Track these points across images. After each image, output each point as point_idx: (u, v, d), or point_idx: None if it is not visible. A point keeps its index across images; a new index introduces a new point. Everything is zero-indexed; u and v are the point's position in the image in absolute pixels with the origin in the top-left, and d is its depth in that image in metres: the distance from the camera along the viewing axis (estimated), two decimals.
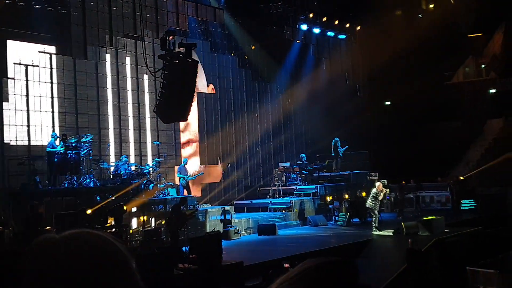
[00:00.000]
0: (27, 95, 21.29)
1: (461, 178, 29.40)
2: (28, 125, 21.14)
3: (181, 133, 26.85)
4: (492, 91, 39.71)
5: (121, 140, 24.15)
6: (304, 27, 32.72)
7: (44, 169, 19.67)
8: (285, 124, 33.03)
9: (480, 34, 41.68)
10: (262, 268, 14.67)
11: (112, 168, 20.92)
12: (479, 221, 22.84)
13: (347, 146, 28.14)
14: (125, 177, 19.82)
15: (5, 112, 20.56)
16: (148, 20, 24.35)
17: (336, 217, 24.53)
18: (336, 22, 34.00)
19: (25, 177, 19.30)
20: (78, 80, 22.83)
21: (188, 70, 18.95)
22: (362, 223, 23.72)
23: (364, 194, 24.63)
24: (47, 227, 15.06)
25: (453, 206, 27.78)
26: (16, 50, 21.17)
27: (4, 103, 20.58)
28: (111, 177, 20.43)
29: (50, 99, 21.96)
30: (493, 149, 34.46)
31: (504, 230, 21.39)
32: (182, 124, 26.10)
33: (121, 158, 21.68)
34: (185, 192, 22.25)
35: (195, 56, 19.35)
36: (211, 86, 28.46)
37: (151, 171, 21.40)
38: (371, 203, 21.06)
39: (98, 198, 18.61)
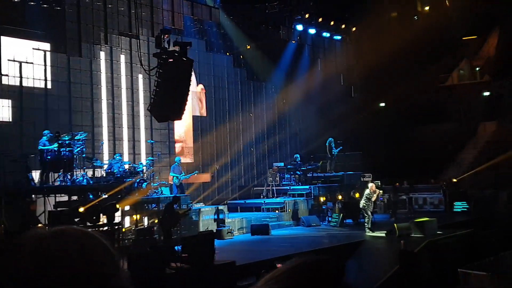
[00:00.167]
0: (21, 92, 21.20)
1: (454, 180, 29.54)
2: (22, 122, 21.06)
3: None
4: (486, 93, 39.84)
5: (115, 138, 24.11)
6: (299, 27, 32.76)
7: (38, 166, 19.61)
8: (279, 124, 33.07)
9: (475, 36, 41.81)
10: (255, 268, 14.65)
11: (105, 166, 20.87)
12: (471, 223, 22.91)
13: (341, 147, 28.18)
14: (118, 175, 19.77)
15: None
16: (143, 18, 24.33)
17: (329, 218, 24.56)
18: (332, 23, 34.07)
19: (18, 174, 19.23)
20: (72, 78, 22.77)
21: (183, 69, 18.92)
22: (355, 224, 23.74)
23: (357, 195, 24.67)
24: (39, 225, 15.03)
25: (446, 208, 27.91)
26: (10, 46, 21.08)
27: None
28: (104, 175, 20.38)
29: (44, 96, 21.88)
30: (486, 152, 34.56)
31: (496, 232, 21.46)
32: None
33: (114, 156, 21.63)
34: (179, 191, 22.22)
35: (190, 55, 19.28)
36: (201, 86, 28.30)
37: (144, 170, 21.35)
38: (364, 204, 21.10)
39: (91, 196, 18.57)
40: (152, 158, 22.88)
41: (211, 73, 29.23)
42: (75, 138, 19.62)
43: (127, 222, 19.40)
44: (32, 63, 21.56)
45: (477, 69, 42.16)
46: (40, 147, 18.80)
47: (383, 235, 20.44)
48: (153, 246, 16.09)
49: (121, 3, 23.93)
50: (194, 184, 26.49)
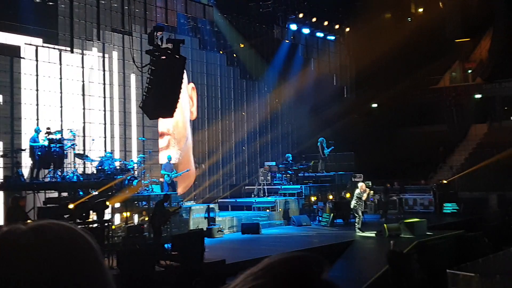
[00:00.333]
0: (12, 88, 21.11)
1: (445, 181, 29.66)
2: (12, 118, 20.97)
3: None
4: (478, 96, 40.02)
5: (106, 135, 24.04)
6: (293, 27, 32.78)
7: (28, 162, 19.53)
8: (271, 124, 33.08)
9: (468, 39, 42.00)
10: (244, 266, 14.48)
11: (96, 163, 20.79)
12: (461, 225, 23.02)
13: (332, 147, 28.21)
14: (109, 172, 19.69)
15: None
16: (137, 15, 24.26)
17: (320, 218, 24.63)
18: (326, 23, 34.09)
19: (8, 170, 19.15)
20: (63, 74, 22.68)
21: (176, 67, 18.88)
22: (345, 224, 23.80)
23: (348, 195, 24.75)
24: (28, 221, 14.96)
25: (436, 209, 28.03)
26: (2, 41, 20.97)
27: None
28: (95, 172, 20.31)
29: (35, 92, 21.80)
30: (477, 154, 34.73)
31: (485, 234, 21.56)
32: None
33: (105, 153, 21.57)
34: (170, 189, 22.18)
35: (183, 53, 19.25)
36: (192, 85, 28.17)
37: (135, 167, 21.29)
38: (355, 204, 21.15)
39: (81, 193, 18.50)
40: (143, 155, 22.82)
41: (204, 71, 29.19)
42: (66, 134, 19.54)
43: (117, 219, 19.35)
44: (23, 58, 21.47)
45: (469, 71, 42.35)
46: (30, 143, 18.72)
47: (373, 235, 20.51)
48: (143, 243, 16.07)
49: None
50: (185, 182, 26.45)
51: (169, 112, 19.68)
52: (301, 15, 32.59)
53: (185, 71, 19.85)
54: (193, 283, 13.63)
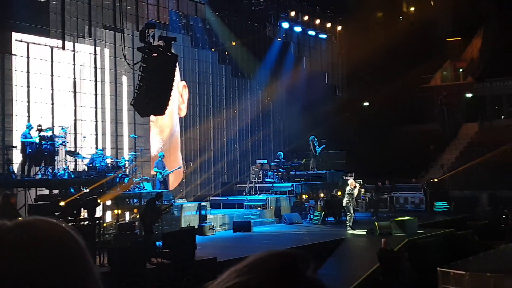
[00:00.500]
0: (3, 84, 21.00)
1: (435, 180, 29.78)
2: (3, 115, 20.88)
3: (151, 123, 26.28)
4: (469, 95, 40.17)
5: (97, 132, 23.96)
6: (285, 25, 32.73)
7: (18, 159, 19.45)
8: (263, 122, 33.09)
9: (459, 38, 42.13)
10: (236, 264, 14.64)
11: (87, 160, 20.72)
12: (451, 223, 23.13)
13: (324, 145, 28.23)
14: (100, 169, 19.64)
15: None
16: (128, 12, 24.11)
17: (311, 216, 24.65)
18: (318, 21, 34.08)
19: None
20: (55, 71, 22.58)
21: (167, 64, 18.84)
22: (336, 222, 23.85)
23: (339, 193, 24.79)
24: (19, 218, 14.87)
25: (427, 208, 28.14)
26: None
27: None
28: (86, 170, 20.25)
29: (27, 89, 21.71)
30: (468, 153, 34.88)
31: (475, 232, 21.69)
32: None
33: (96, 150, 21.50)
34: (162, 187, 22.13)
35: (174, 50, 19.23)
36: (183, 83, 28.09)
37: (126, 165, 21.24)
38: (347, 201, 21.18)
39: (72, 190, 18.44)
40: (134, 153, 22.77)
41: (195, 69, 29.14)
42: (57, 131, 19.47)
43: (108, 217, 19.30)
44: (15, 55, 21.36)
45: (460, 70, 42.51)
46: (22, 139, 18.65)
47: (364, 233, 20.56)
48: (134, 241, 16.04)
49: None
50: (176, 180, 26.41)
51: (160, 109, 19.65)
52: (293, 14, 32.55)
53: (177, 68, 19.81)
54: (184, 280, 13.62)
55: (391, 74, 36.12)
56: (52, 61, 22.48)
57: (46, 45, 22.31)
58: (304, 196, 26.28)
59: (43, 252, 1.14)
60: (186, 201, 24.20)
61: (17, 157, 19.58)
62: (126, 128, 25.03)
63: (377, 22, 39.42)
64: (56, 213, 15.32)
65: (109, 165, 20.33)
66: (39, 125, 18.97)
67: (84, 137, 22.56)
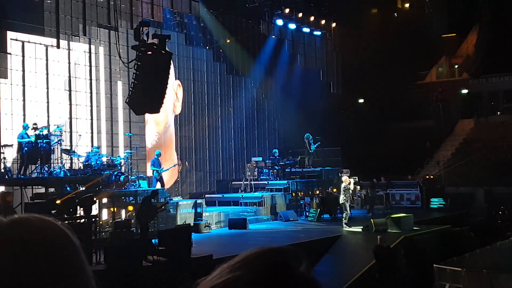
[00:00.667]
0: None
1: (431, 176, 29.82)
2: None
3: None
4: (464, 91, 40.24)
5: (93, 130, 23.93)
6: (279, 22, 32.73)
7: (15, 158, 19.43)
8: (258, 119, 33.09)
9: (454, 34, 42.19)
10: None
11: (83, 159, 20.68)
12: (447, 220, 23.16)
13: (319, 143, 28.24)
14: (96, 168, 19.62)
15: None
16: (123, 10, 24.09)
17: (307, 213, 24.65)
18: (312, 18, 34.08)
19: None
20: (50, 69, 22.53)
21: (162, 62, 18.82)
22: (332, 219, 23.86)
23: (335, 190, 24.77)
24: (15, 215, 14.84)
25: (423, 204, 28.16)
26: None
27: None
28: (82, 168, 20.22)
29: (22, 88, 21.65)
30: (464, 149, 34.95)
31: (471, 229, 21.73)
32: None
33: (92, 148, 21.46)
34: (158, 185, 22.11)
35: (169, 48, 19.20)
36: (178, 82, 28.04)
37: (122, 163, 21.23)
38: (344, 198, 21.15)
39: (68, 188, 18.42)
40: (130, 151, 22.74)
41: (190, 66, 29.11)
42: (53, 130, 19.43)
43: (104, 214, 19.27)
44: (10, 53, 21.30)
45: (456, 66, 42.58)
46: (18, 140, 18.62)
47: (360, 230, 20.56)
48: (130, 239, 16.03)
49: None
50: (171, 178, 26.38)
51: (155, 107, 19.63)
52: (287, 11, 32.55)
53: (171, 66, 19.79)
54: (180, 277, 13.62)
55: (386, 71, 36.15)
56: (47, 59, 22.43)
57: (41, 43, 22.26)
58: (299, 193, 26.29)
59: (37, 249, 1.14)
60: (181, 198, 24.19)
61: (11, 155, 19.53)
62: (121, 126, 25.00)
63: (372, 18, 39.42)
64: (53, 211, 15.30)
65: (105, 163, 20.31)
66: (35, 124, 18.94)
67: (80, 136, 22.51)
